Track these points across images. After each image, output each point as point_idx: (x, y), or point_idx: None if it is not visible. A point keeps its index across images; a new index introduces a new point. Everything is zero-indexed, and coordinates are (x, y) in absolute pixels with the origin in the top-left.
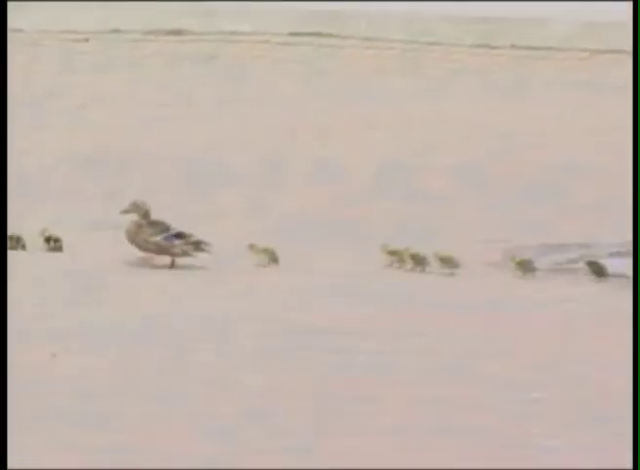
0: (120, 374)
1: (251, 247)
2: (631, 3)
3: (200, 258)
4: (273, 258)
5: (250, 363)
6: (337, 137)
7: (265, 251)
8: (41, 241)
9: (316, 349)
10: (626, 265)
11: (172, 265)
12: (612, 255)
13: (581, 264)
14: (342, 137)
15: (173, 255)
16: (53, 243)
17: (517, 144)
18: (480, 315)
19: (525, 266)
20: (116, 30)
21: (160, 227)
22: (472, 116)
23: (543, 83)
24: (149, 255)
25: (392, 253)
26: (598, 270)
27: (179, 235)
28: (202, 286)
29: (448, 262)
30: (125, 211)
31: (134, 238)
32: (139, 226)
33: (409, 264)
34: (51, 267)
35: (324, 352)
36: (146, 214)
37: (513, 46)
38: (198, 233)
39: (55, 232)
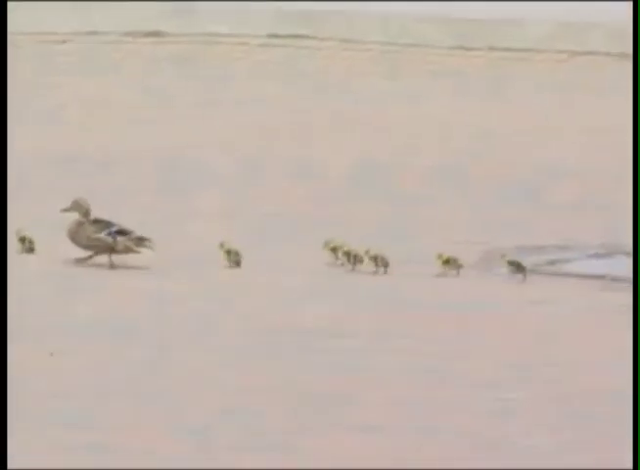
0: (96, 373)
1: (221, 246)
2: (631, 4)
3: (148, 257)
4: (236, 260)
5: (225, 362)
6: (316, 138)
7: (230, 251)
8: (15, 241)
9: (283, 348)
10: (607, 266)
11: (111, 266)
12: (590, 256)
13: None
14: (321, 138)
15: (116, 252)
16: (27, 244)
17: (496, 145)
18: (460, 316)
19: (516, 267)
20: (94, 32)
21: (103, 225)
22: (450, 117)
23: (521, 85)
24: (86, 255)
25: (333, 249)
26: (519, 268)
27: (122, 232)
28: (163, 286)
29: (452, 264)
30: (66, 210)
31: (74, 236)
32: (80, 224)
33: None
34: (24, 268)
35: (291, 351)
36: (87, 213)
37: (491, 48)
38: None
39: (29, 233)
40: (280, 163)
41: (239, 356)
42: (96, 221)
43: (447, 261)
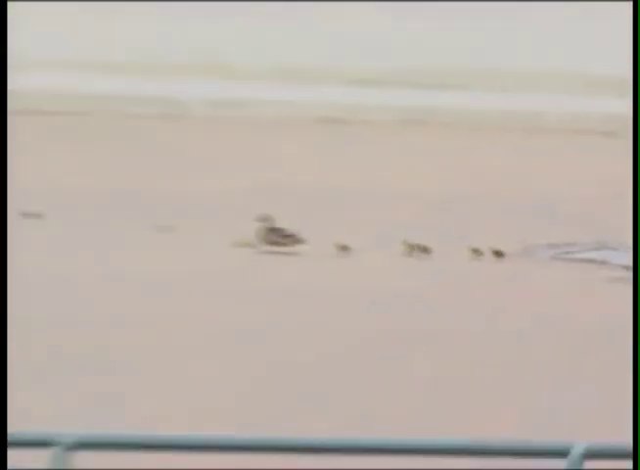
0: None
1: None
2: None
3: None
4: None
5: None
6: None
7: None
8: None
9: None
10: (599, 255)
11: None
12: (589, 249)
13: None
14: None
15: (281, 245)
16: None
17: (520, 180)
18: (514, 285)
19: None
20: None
21: (280, 231)
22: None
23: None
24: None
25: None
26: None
27: (287, 234)
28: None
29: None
30: (259, 219)
31: (265, 237)
32: (267, 230)
33: None
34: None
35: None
36: (271, 222)
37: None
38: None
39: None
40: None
41: None
42: (275, 229)
43: (476, 251)
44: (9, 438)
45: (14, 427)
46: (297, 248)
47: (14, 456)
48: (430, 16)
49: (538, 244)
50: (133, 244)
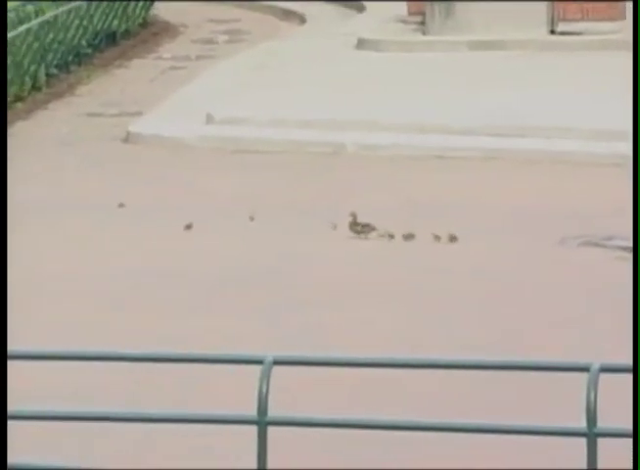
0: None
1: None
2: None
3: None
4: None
5: None
6: None
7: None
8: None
9: None
10: (614, 244)
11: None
12: (606, 239)
13: None
14: None
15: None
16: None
17: (558, 201)
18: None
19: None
20: None
21: (363, 225)
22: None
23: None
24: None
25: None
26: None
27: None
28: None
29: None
30: (351, 214)
31: (353, 227)
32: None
33: None
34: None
35: None
36: (355, 217)
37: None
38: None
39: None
40: None
41: None
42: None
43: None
44: None
45: None
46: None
47: None
48: (510, 86)
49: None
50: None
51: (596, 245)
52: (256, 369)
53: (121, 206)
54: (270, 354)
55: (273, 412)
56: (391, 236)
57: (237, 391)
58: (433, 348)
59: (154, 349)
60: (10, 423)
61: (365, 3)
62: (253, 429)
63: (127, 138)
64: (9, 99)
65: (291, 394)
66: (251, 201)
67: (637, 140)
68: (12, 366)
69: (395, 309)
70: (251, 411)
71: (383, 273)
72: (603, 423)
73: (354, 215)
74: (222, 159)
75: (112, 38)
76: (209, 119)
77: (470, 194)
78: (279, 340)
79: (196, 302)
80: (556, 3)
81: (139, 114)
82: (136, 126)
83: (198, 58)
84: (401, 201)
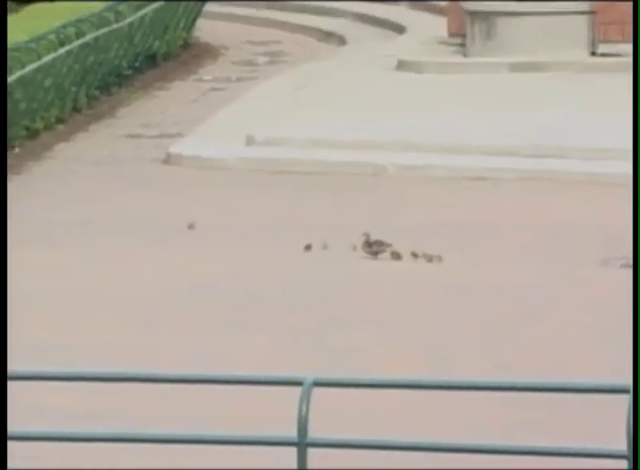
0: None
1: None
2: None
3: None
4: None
5: None
6: None
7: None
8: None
9: None
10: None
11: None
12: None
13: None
14: None
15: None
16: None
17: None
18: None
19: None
20: None
21: (379, 243)
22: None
23: None
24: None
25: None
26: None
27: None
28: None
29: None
30: (364, 234)
31: (365, 248)
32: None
33: None
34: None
35: None
36: (368, 237)
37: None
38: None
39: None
40: None
41: None
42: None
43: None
44: None
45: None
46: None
47: None
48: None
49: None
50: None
51: None
52: (292, 390)
53: (165, 225)
54: (310, 376)
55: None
56: (429, 258)
57: (272, 411)
58: (468, 367)
59: (192, 368)
60: (21, 444)
61: (405, 24)
62: (289, 451)
63: (168, 159)
64: (51, 120)
65: (328, 414)
66: (291, 220)
67: (637, 140)
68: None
69: (430, 330)
70: (288, 432)
71: (419, 293)
72: None
73: (389, 244)
74: (261, 180)
75: (152, 60)
76: (250, 141)
77: (509, 214)
78: (314, 361)
79: (229, 320)
80: (597, 24)
81: (179, 135)
82: (176, 147)
83: (238, 79)
84: (440, 221)
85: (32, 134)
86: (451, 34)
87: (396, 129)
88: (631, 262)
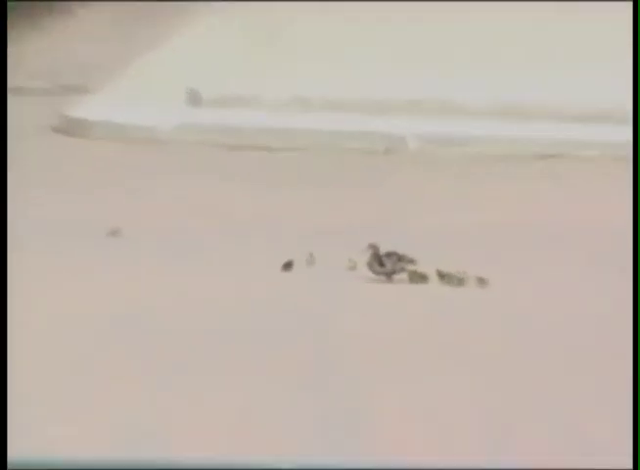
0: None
1: None
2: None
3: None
4: None
5: None
6: None
7: None
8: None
9: None
10: None
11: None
12: None
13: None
14: None
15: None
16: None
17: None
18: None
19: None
20: None
21: (394, 256)
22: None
23: None
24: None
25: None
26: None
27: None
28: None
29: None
30: (370, 246)
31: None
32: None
33: None
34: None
35: None
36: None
37: None
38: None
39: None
40: None
41: None
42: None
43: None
44: None
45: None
46: None
47: None
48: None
49: None
50: None
51: None
52: None
53: (72, 231)
54: (289, 463)
55: None
56: (467, 281)
57: None
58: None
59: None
60: None
61: None
62: None
63: (67, 128)
64: None
65: None
66: (261, 223)
67: (637, 140)
68: None
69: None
70: None
71: (453, 340)
72: None
73: (414, 262)
74: (215, 159)
75: None
76: (194, 100)
77: (585, 214)
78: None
79: (211, 359)
80: None
81: (85, 90)
82: (81, 109)
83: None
84: (485, 223)
85: None
86: None
87: (421, 83)
88: None
